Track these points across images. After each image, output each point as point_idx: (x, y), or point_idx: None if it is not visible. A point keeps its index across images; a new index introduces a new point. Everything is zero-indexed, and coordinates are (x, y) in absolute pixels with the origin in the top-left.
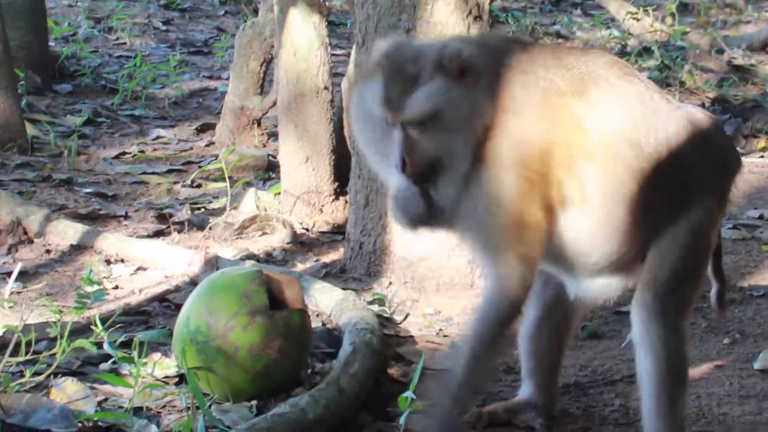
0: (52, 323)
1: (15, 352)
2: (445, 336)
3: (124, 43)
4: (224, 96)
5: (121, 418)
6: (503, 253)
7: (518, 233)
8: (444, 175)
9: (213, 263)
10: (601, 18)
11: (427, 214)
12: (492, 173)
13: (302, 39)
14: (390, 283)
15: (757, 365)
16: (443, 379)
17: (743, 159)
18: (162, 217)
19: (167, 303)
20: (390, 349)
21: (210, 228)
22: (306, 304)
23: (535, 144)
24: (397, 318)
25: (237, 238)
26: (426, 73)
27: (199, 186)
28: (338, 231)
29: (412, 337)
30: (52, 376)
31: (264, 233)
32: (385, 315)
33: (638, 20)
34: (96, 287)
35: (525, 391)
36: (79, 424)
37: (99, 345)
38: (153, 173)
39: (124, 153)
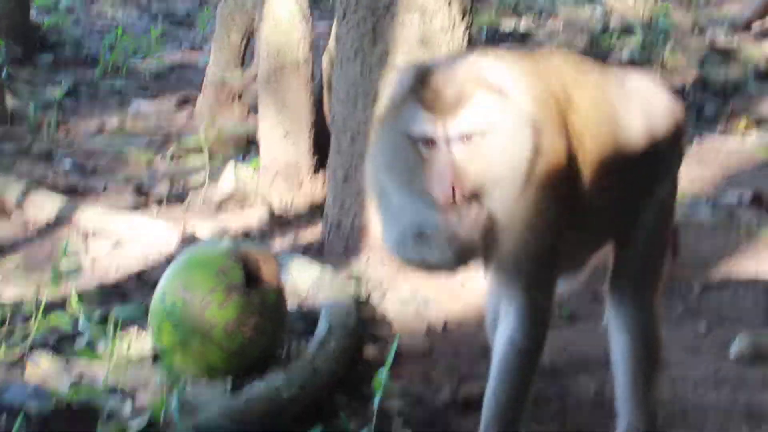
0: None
1: None
2: (421, 317)
3: (106, 15)
4: (206, 69)
5: (95, 396)
6: (540, 277)
7: (554, 256)
8: (486, 201)
9: (191, 240)
10: None
11: (474, 247)
12: (533, 194)
13: (284, 12)
14: (368, 262)
15: (732, 351)
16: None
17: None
18: (140, 191)
19: (145, 280)
20: (366, 329)
21: (188, 203)
22: (282, 282)
23: (563, 161)
24: (375, 298)
25: (215, 214)
26: (469, 91)
27: (179, 159)
28: (317, 207)
29: (388, 318)
30: (27, 351)
31: (242, 209)
32: (362, 295)
33: None
34: (72, 262)
35: None
36: (54, 402)
37: (74, 321)
38: (132, 147)
39: (104, 126)
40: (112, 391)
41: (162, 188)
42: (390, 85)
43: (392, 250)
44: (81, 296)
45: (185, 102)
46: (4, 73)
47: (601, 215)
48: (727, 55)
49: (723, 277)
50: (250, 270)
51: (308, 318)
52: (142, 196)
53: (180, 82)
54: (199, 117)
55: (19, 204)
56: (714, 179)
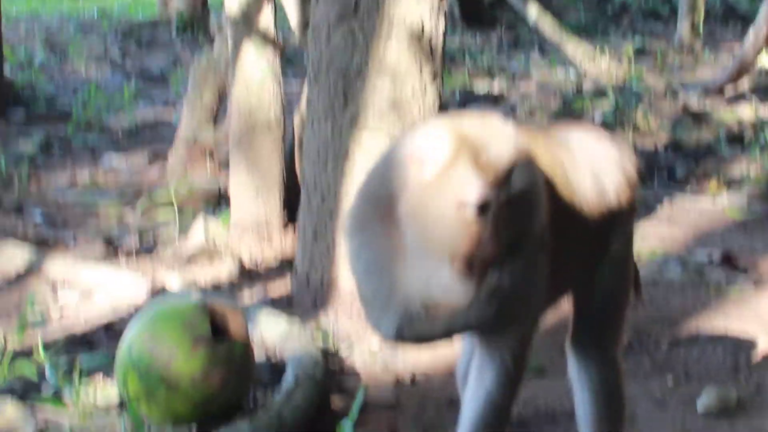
0: None
1: None
2: (389, 370)
3: (80, 72)
4: (178, 126)
5: None
6: (527, 335)
7: (539, 314)
8: (499, 266)
9: (159, 292)
10: (557, 59)
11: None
12: (537, 255)
13: (255, 73)
14: (336, 316)
15: (700, 405)
16: None
17: (696, 201)
18: (110, 245)
19: (113, 331)
20: (333, 382)
21: (158, 257)
22: (249, 335)
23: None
24: (343, 351)
25: (185, 268)
26: (513, 158)
27: (149, 215)
28: (286, 262)
29: (356, 370)
30: None
31: (212, 263)
32: (330, 348)
33: (594, 62)
34: (38, 314)
35: None
36: None
37: (42, 370)
38: (103, 201)
39: (76, 180)
40: None
41: (132, 241)
42: (417, 149)
43: (396, 331)
44: (47, 345)
45: (157, 158)
46: None
47: (559, 271)
48: (699, 118)
49: (691, 333)
50: (216, 322)
51: (275, 369)
52: (112, 249)
53: (152, 139)
54: (171, 173)
55: None
56: (684, 238)
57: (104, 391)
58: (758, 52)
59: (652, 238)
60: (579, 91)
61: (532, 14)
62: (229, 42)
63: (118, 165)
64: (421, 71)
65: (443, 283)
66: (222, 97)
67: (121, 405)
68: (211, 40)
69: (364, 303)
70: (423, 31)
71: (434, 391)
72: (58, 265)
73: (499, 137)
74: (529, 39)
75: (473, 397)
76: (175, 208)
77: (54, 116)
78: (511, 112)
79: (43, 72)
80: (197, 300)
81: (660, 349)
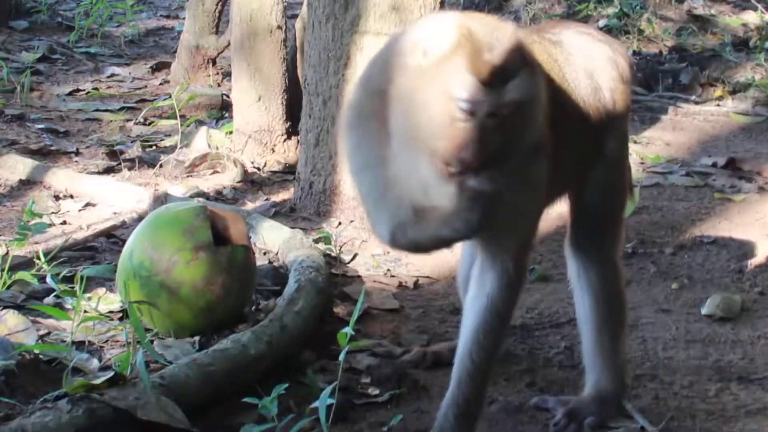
0: None
1: None
2: (392, 276)
3: None
4: (180, 35)
5: (61, 351)
6: (527, 241)
7: (539, 219)
8: (495, 169)
9: (162, 200)
10: None
11: (488, 216)
12: (536, 161)
13: None
14: (339, 223)
15: (704, 310)
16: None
17: (700, 107)
18: (113, 154)
19: (114, 239)
20: (336, 288)
21: (161, 165)
22: (251, 240)
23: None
24: (345, 258)
25: (187, 176)
26: (516, 64)
27: (151, 124)
28: (289, 170)
29: (359, 276)
30: None
31: (215, 172)
32: (332, 254)
33: None
34: (38, 220)
35: None
36: (19, 356)
37: (43, 279)
38: (106, 110)
39: (78, 90)
40: (79, 346)
41: (134, 151)
42: (421, 38)
43: (388, 238)
44: (49, 254)
45: (160, 67)
46: None
47: (555, 173)
48: (704, 23)
49: (695, 239)
50: (218, 229)
51: (277, 276)
52: (115, 159)
53: (155, 48)
54: (174, 82)
55: None
56: (689, 144)
57: (106, 299)
58: None
59: (657, 143)
60: None
61: None
62: None
63: (121, 75)
64: None
65: (429, 184)
66: (224, 5)
67: (123, 313)
68: None
69: (361, 201)
70: None
71: (437, 296)
72: (60, 176)
73: (504, 41)
74: None
75: (474, 302)
76: (178, 116)
77: (56, 26)
78: (514, 16)
79: None
80: (197, 207)
81: (664, 255)
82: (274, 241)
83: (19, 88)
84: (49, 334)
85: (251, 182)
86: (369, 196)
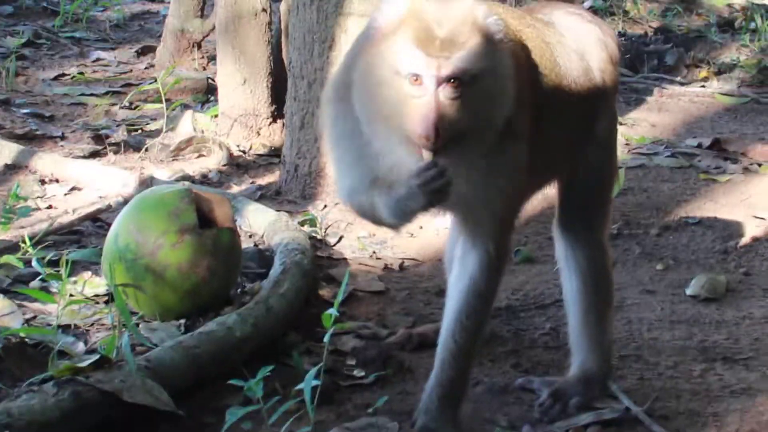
0: None
1: None
2: (378, 259)
3: None
4: (165, 19)
5: (47, 335)
6: (507, 223)
7: (521, 201)
8: (465, 147)
9: (148, 184)
10: None
11: (447, 191)
12: (512, 143)
13: None
14: (325, 206)
15: (689, 291)
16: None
17: (685, 88)
18: (98, 138)
19: (100, 222)
20: (321, 270)
21: (146, 149)
22: (236, 223)
23: (533, 107)
24: (331, 240)
25: (173, 160)
26: (465, 34)
27: (136, 108)
28: (275, 154)
29: (345, 259)
30: None
31: (200, 155)
32: (318, 236)
33: None
34: (23, 203)
35: None
36: (5, 340)
37: (28, 263)
38: (91, 95)
39: (64, 74)
40: (65, 330)
41: (120, 135)
42: (377, 15)
43: (346, 196)
44: (35, 238)
45: (145, 51)
46: None
47: (546, 155)
48: (689, 4)
49: (680, 219)
50: (203, 212)
51: (263, 259)
52: (100, 143)
53: (140, 33)
54: (159, 66)
55: None
56: (674, 125)
57: (91, 283)
58: None
59: (642, 124)
60: None
61: None
62: None
63: (106, 58)
64: None
65: (391, 158)
66: None
67: (109, 297)
68: None
69: (333, 167)
70: None
71: (422, 278)
72: (46, 160)
73: (453, 16)
74: None
75: (457, 283)
76: (164, 100)
77: (41, 10)
78: None
79: None
80: (182, 189)
81: (649, 236)
82: (260, 223)
83: (4, 73)
84: (35, 317)
85: (236, 165)
86: (341, 162)
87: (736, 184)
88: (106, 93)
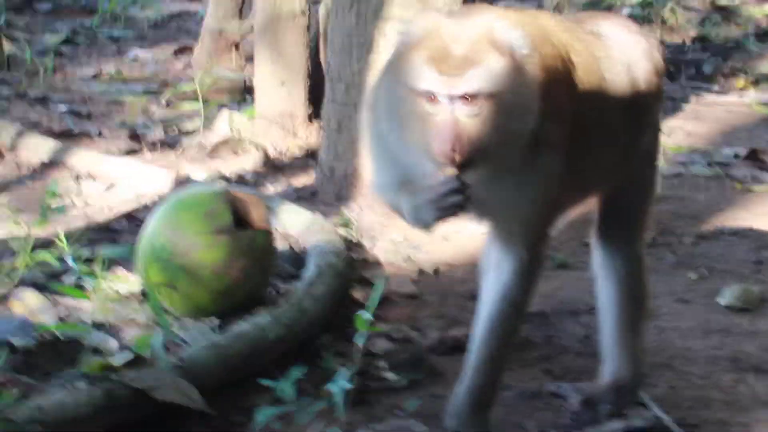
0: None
1: None
2: (412, 262)
3: None
4: (203, 19)
5: (80, 331)
6: (542, 232)
7: (555, 213)
8: (492, 161)
9: (183, 183)
10: None
11: (462, 207)
12: (544, 154)
13: None
14: (360, 209)
15: (722, 301)
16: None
17: (722, 98)
18: (135, 137)
19: (135, 221)
20: (355, 272)
21: (182, 148)
22: (271, 225)
23: (568, 121)
24: (365, 243)
25: (209, 160)
26: (479, 51)
27: (174, 107)
28: (311, 155)
29: (378, 262)
30: (14, 289)
31: (236, 155)
32: (352, 239)
33: None
34: (60, 201)
35: None
36: (38, 336)
37: (64, 260)
38: (129, 93)
39: (101, 73)
40: (98, 327)
41: (156, 134)
42: (398, 36)
43: (378, 190)
44: (70, 235)
45: (183, 51)
46: (2, 20)
47: (590, 167)
48: (727, 13)
49: (715, 229)
50: (238, 212)
51: (297, 260)
52: (137, 141)
53: (178, 32)
54: (196, 65)
55: (13, 146)
56: (711, 135)
57: (126, 281)
58: None
59: (678, 133)
60: None
61: None
62: None
63: (144, 57)
64: None
65: (416, 170)
66: None
67: (143, 295)
68: None
69: (371, 163)
70: None
71: (456, 283)
72: (82, 157)
73: (471, 33)
74: None
75: (490, 290)
76: (200, 100)
77: (79, 9)
78: (538, 6)
79: None
80: (219, 190)
81: (683, 245)
82: (294, 225)
83: (43, 70)
84: (68, 314)
85: (272, 166)
86: (376, 160)
87: None
88: (144, 92)
